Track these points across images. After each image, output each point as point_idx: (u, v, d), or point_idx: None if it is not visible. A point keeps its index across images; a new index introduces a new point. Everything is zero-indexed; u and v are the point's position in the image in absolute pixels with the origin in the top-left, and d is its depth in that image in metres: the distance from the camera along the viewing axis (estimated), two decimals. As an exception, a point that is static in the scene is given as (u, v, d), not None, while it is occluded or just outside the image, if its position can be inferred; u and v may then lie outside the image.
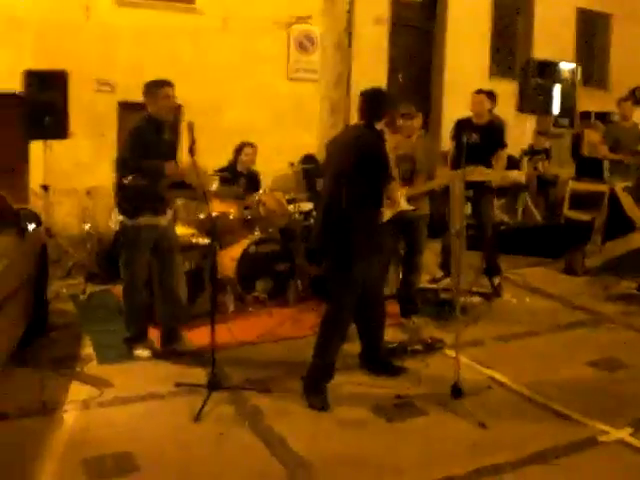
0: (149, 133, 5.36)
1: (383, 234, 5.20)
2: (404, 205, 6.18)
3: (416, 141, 6.47)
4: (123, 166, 5.34)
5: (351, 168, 4.85)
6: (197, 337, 5.79)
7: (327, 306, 5.08)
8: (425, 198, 6.46)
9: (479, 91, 7.61)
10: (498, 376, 5.40)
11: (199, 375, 5.20)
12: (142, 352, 5.56)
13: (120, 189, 5.41)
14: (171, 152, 5.60)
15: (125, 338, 5.65)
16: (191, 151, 5.05)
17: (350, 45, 10.33)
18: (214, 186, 6.89)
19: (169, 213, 5.67)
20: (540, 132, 11.60)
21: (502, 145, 7.43)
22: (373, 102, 5.03)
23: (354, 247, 4.84)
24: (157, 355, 5.59)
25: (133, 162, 5.25)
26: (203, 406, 4.63)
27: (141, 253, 5.50)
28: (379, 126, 5.01)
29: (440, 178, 6.34)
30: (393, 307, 6.38)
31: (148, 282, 5.70)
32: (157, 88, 5.39)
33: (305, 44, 9.65)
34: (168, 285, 5.64)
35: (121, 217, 5.45)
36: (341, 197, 4.85)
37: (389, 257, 6.30)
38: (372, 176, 4.85)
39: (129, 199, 5.37)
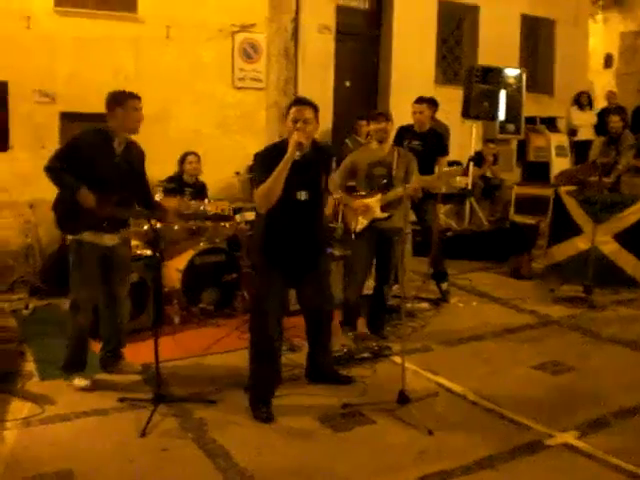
0: (93, 145, 5.01)
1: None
2: (378, 213, 6.14)
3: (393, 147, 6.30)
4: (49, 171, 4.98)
5: None
6: (142, 350, 5.67)
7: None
8: (400, 213, 6.02)
9: (419, 100, 7.45)
10: (445, 382, 5.40)
11: (143, 389, 5.13)
12: (80, 382, 5.16)
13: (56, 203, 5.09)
14: (125, 182, 5.11)
15: (62, 365, 5.27)
16: None
17: (296, 53, 10.32)
18: (157, 196, 6.77)
19: (121, 232, 5.29)
20: (487, 139, 11.71)
21: (443, 153, 7.39)
22: None
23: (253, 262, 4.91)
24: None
25: (58, 169, 4.91)
26: (149, 420, 4.54)
27: (87, 272, 5.13)
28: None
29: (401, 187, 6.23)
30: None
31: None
32: (125, 98, 5.10)
33: (249, 52, 9.60)
34: (111, 308, 5.39)
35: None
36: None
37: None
38: None
39: (64, 214, 5.06)
